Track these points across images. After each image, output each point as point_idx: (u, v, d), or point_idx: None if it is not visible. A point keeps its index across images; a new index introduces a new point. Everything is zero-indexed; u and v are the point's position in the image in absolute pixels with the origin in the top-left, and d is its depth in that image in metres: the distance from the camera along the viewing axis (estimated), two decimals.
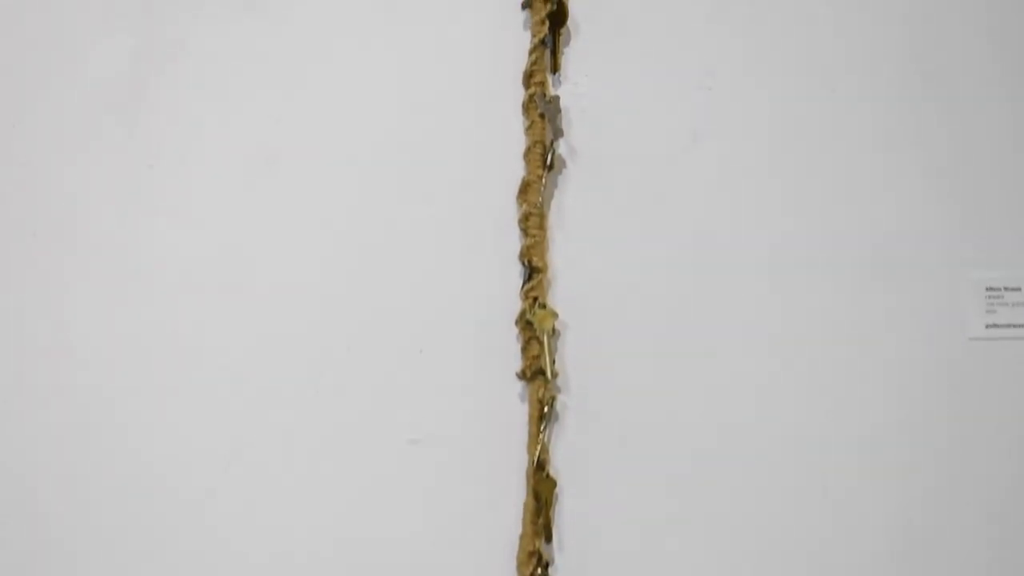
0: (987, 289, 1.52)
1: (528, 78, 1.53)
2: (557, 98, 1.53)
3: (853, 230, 1.53)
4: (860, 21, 1.55)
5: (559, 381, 1.50)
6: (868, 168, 1.54)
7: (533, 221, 1.50)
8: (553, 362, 1.47)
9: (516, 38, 1.55)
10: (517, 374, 1.50)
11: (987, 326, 1.52)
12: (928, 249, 1.53)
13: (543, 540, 1.46)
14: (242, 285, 1.53)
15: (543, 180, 1.51)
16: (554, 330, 1.49)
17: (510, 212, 1.52)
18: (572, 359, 1.50)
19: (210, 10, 1.57)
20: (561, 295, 1.51)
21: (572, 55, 1.55)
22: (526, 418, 1.49)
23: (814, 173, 1.54)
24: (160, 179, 1.56)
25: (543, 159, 1.51)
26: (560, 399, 1.49)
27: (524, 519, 1.46)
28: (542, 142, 1.51)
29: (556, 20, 1.53)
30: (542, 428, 1.46)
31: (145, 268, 1.53)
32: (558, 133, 1.52)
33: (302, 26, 1.57)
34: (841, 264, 1.52)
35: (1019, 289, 1.52)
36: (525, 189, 1.51)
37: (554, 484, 1.46)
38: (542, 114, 1.52)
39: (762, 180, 1.54)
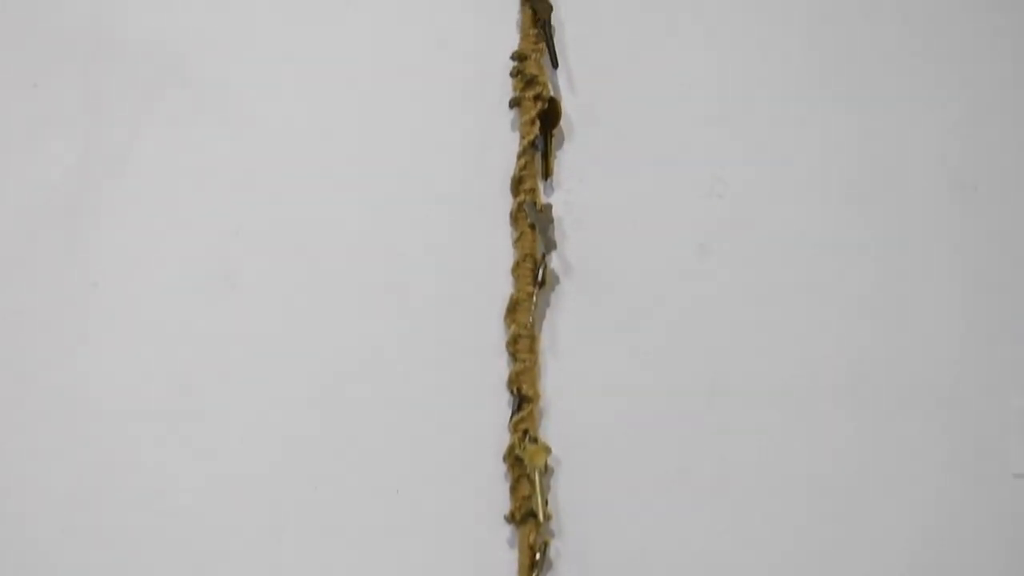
0: None
1: (517, 184, 1.48)
2: (549, 207, 1.48)
3: (879, 354, 1.47)
4: (884, 126, 1.50)
5: (552, 525, 1.43)
6: (896, 284, 1.49)
7: (523, 344, 1.45)
8: (546, 503, 1.42)
9: (503, 140, 1.50)
10: (505, 517, 1.43)
11: None
12: (964, 375, 1.47)
13: None
14: (196, 418, 1.46)
15: (534, 298, 1.46)
16: (546, 467, 1.43)
17: (497, 334, 1.46)
18: (566, 500, 1.44)
19: (161, 112, 1.52)
20: (554, 428, 1.46)
21: (565, 159, 1.51)
22: (515, 567, 1.42)
23: (836, 289, 1.48)
24: (105, 298, 1.49)
25: (534, 275, 1.46)
26: (553, 545, 1.43)
27: None
28: (532, 255, 1.46)
29: (548, 120, 1.49)
30: None
31: (89, 400, 1.47)
32: (550, 246, 1.47)
33: (263, 129, 1.52)
34: (866, 392, 1.46)
35: None
36: (514, 308, 1.46)
37: None
38: (532, 224, 1.47)
39: (778, 297, 1.48)
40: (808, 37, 1.52)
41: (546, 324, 1.47)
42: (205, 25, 1.53)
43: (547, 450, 1.43)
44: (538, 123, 1.48)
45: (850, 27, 1.52)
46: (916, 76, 1.51)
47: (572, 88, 1.51)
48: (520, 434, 1.43)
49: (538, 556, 1.41)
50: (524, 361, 1.44)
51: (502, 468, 1.44)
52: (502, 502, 1.43)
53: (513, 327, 1.45)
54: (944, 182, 1.50)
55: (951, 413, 1.46)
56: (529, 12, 1.50)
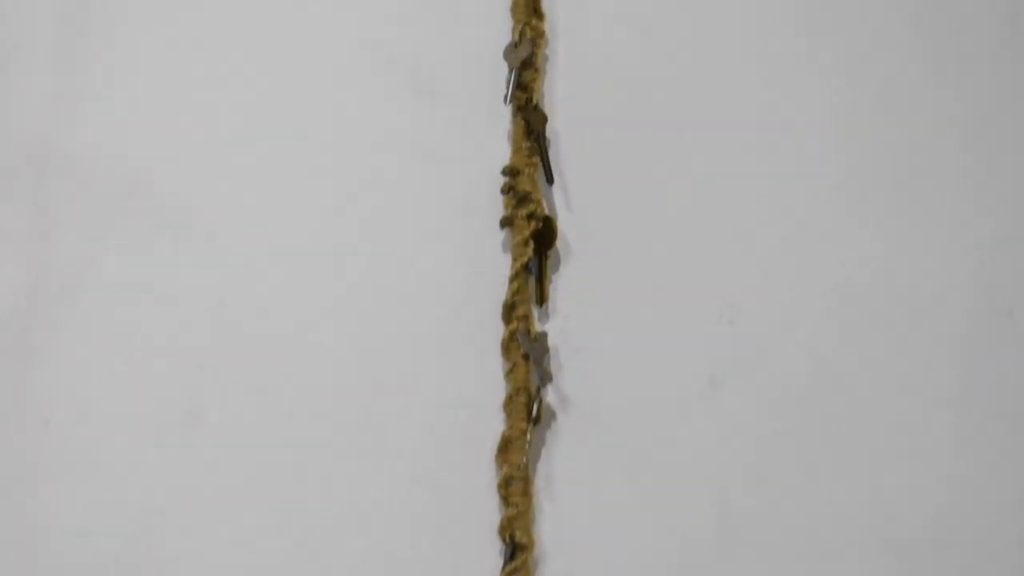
0: None
1: (509, 311, 1.43)
2: (544, 335, 1.43)
3: (908, 499, 1.39)
4: (909, 247, 1.43)
5: None
6: (927, 422, 1.41)
7: (516, 487, 1.40)
8: None
9: (494, 262, 1.45)
10: None
11: None
12: (1000, 522, 1.39)
13: None
14: (159, 571, 1.43)
15: (528, 436, 1.41)
16: None
17: (488, 475, 1.42)
18: None
19: (118, 234, 1.50)
20: None
21: (562, 283, 1.45)
22: None
23: (861, 427, 1.41)
24: (57, 438, 1.47)
25: (527, 410, 1.41)
26: None
27: None
28: (526, 389, 1.42)
29: (542, 241, 1.44)
30: None
31: (39, 550, 1.45)
32: (546, 378, 1.42)
33: (230, 252, 1.49)
34: (898, 543, 1.39)
35: None
36: (506, 447, 1.41)
37: None
38: (526, 355, 1.42)
39: (796, 436, 1.41)
40: (826, 156, 1.46)
41: (541, 465, 1.42)
42: (166, 141, 1.51)
43: None
44: (532, 244, 1.43)
45: (869, 141, 1.45)
46: (944, 193, 1.44)
47: (568, 206, 1.46)
48: None
49: None
50: (517, 505, 1.39)
51: None
52: None
53: (505, 468, 1.40)
54: (977, 307, 1.42)
55: (987, 566, 1.38)
56: (521, 123, 1.45)
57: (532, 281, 1.43)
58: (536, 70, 1.45)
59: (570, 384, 1.42)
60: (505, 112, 1.46)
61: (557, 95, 1.46)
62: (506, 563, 1.38)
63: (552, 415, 1.42)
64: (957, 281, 1.42)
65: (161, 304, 1.47)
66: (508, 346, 1.42)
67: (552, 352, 1.42)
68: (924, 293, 1.42)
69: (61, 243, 1.49)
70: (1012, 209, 1.44)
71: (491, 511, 1.39)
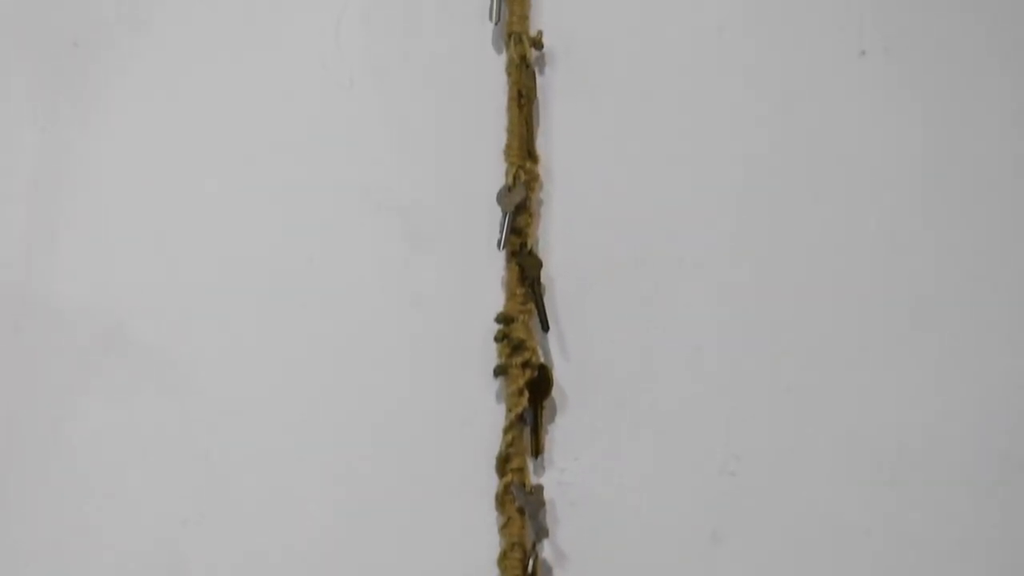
0: None
1: (503, 463, 1.41)
2: (540, 488, 1.40)
3: None
4: (917, 411, 1.39)
5: None
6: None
7: None
8: None
9: (487, 412, 1.42)
10: None
11: None
12: None
13: None
14: None
15: None
16: None
17: None
18: None
19: (97, 384, 1.48)
20: None
21: (558, 434, 1.42)
22: None
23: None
24: None
25: (523, 567, 1.39)
26: None
27: None
28: (521, 545, 1.39)
29: (538, 390, 1.41)
30: None
31: None
32: (542, 533, 1.39)
33: (210, 401, 1.47)
34: None
35: None
36: None
37: None
38: (521, 509, 1.40)
39: None
40: (827, 303, 1.43)
41: None
42: (145, 288, 1.49)
43: None
44: (527, 393, 1.41)
45: (869, 290, 1.42)
46: (949, 343, 1.41)
47: (565, 354, 1.43)
48: None
49: None
50: None
51: None
52: None
53: None
54: (986, 459, 1.38)
55: None
56: (516, 269, 1.43)
57: (527, 432, 1.41)
58: (530, 215, 1.43)
59: (567, 540, 1.39)
60: (499, 258, 1.43)
61: (552, 240, 1.44)
62: None
63: (548, 572, 1.39)
64: (965, 433, 1.39)
65: (141, 457, 1.45)
66: (502, 500, 1.39)
67: (548, 506, 1.39)
68: (932, 445, 1.38)
69: (37, 393, 1.48)
70: (1016, 359, 1.41)
71: None
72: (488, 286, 1.44)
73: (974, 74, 1.41)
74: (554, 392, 1.41)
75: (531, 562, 1.38)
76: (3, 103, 1.54)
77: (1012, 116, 1.40)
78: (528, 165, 1.44)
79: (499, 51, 1.46)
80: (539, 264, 1.43)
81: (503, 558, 1.38)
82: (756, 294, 1.43)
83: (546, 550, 1.39)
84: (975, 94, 1.40)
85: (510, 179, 1.44)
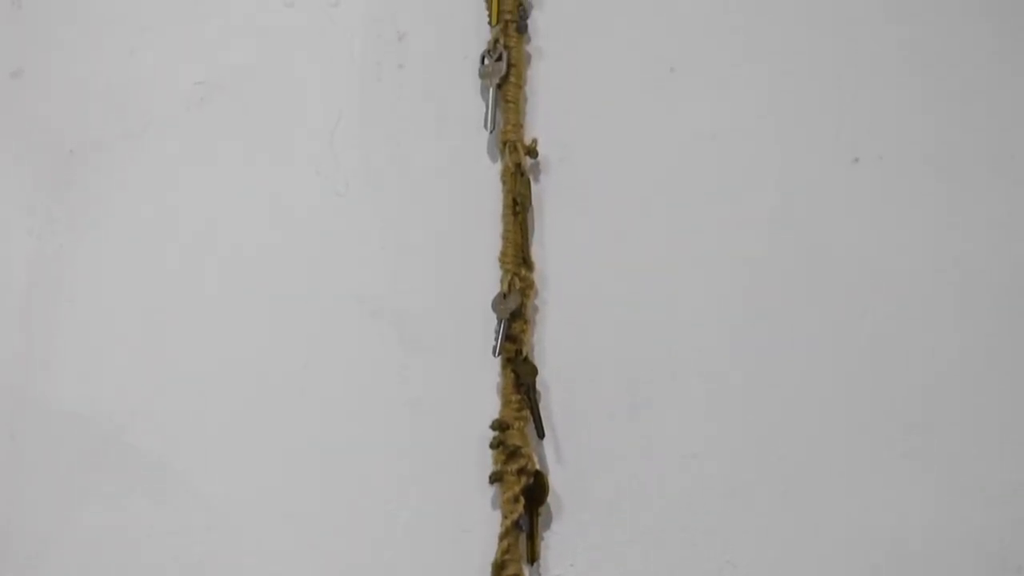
0: None
1: (499, 570, 1.38)
2: None
3: None
4: (916, 517, 1.36)
5: None
6: None
7: None
8: None
9: (483, 520, 1.40)
10: None
11: None
12: None
13: None
14: None
15: None
16: None
17: None
18: None
19: (94, 491, 1.46)
20: None
21: (554, 541, 1.40)
22: None
23: None
24: None
25: None
26: None
27: None
28: None
29: (534, 497, 1.40)
30: None
31: None
32: None
33: (208, 508, 1.45)
34: None
35: None
36: None
37: None
38: None
39: None
40: (828, 409, 1.40)
41: None
42: (141, 394, 1.49)
43: None
44: (522, 500, 1.38)
45: (869, 397, 1.40)
46: (950, 447, 1.38)
47: (560, 460, 1.41)
48: None
49: None
50: None
51: None
52: None
53: None
54: (987, 565, 1.35)
55: None
56: (511, 376, 1.42)
57: (523, 539, 1.39)
58: (526, 321, 1.42)
59: None
60: (494, 364, 1.42)
61: (547, 347, 1.43)
62: None
63: None
64: (966, 537, 1.36)
65: (136, 563, 1.44)
66: None
67: None
68: (931, 549, 1.36)
69: (33, 499, 1.46)
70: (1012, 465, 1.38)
71: None
72: (483, 393, 1.43)
73: (967, 182, 1.40)
74: (550, 499, 1.39)
75: None
76: None
77: (1006, 220, 1.39)
78: (523, 272, 1.43)
79: (494, 159, 1.46)
80: (534, 371, 1.42)
81: None
82: (751, 400, 1.41)
83: None
84: (969, 200, 1.39)
85: (505, 286, 1.43)
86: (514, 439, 1.39)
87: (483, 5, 1.49)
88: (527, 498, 1.38)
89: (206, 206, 1.52)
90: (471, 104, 1.48)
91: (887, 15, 1.43)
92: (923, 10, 1.42)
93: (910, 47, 1.42)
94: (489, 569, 1.37)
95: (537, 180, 1.45)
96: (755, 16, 1.45)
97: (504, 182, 1.44)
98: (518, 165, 1.43)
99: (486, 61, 1.47)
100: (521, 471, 1.39)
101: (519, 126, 1.46)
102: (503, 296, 1.43)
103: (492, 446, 1.40)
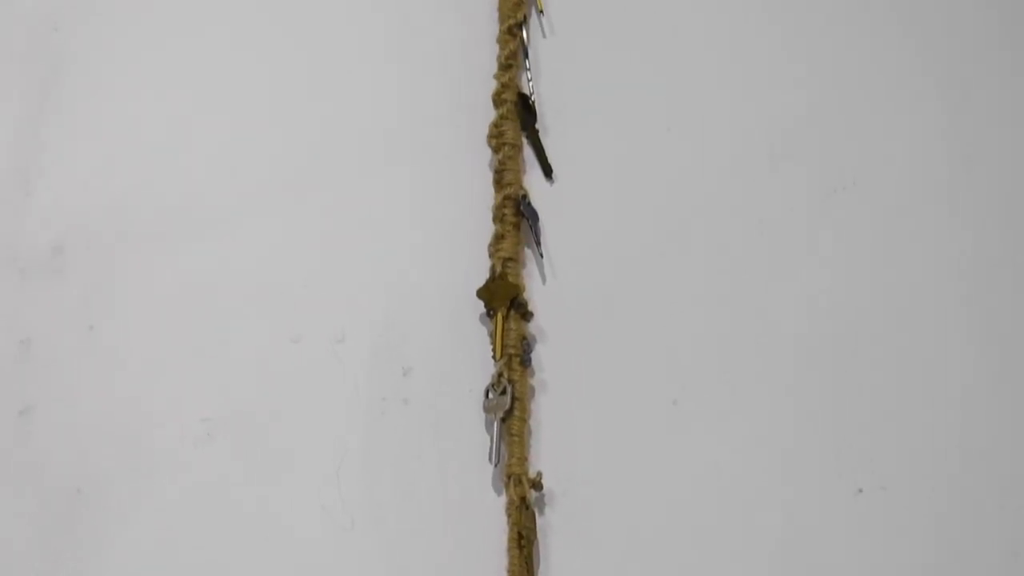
0: None
1: None
2: None
3: None
4: None
5: None
6: None
7: None
8: None
9: None
10: None
11: None
12: None
13: None
14: None
15: None
16: None
17: None
18: None
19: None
20: None
21: None
22: None
23: None
24: None
25: None
26: None
27: None
28: None
29: None
30: None
31: None
32: None
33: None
34: None
35: None
36: None
37: None
38: None
39: None
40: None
41: None
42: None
43: None
44: None
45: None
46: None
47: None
48: None
49: None
50: None
51: None
52: None
53: None
54: None
55: None
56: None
57: None
58: None
59: None
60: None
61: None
62: None
63: None
64: None
65: None
66: None
67: None
68: None
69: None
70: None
71: None
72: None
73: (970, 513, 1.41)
74: None
75: None
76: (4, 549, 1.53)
77: None
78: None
79: (499, 492, 1.44)
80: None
81: None
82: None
83: None
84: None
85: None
86: None
87: (487, 339, 1.51)
88: None
89: (214, 539, 1.49)
90: (476, 437, 1.47)
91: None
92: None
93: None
94: None
95: (542, 513, 1.43)
96: (753, 357, 1.48)
97: (509, 515, 1.42)
98: (523, 498, 1.41)
99: (490, 395, 1.47)
100: None
101: (523, 459, 1.45)
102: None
103: None
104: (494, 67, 1.63)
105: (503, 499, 1.43)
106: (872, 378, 1.45)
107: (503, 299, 1.50)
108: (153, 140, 1.69)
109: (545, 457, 1.46)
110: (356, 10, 1.73)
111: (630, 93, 1.61)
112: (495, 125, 1.59)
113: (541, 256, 1.54)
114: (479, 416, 1.48)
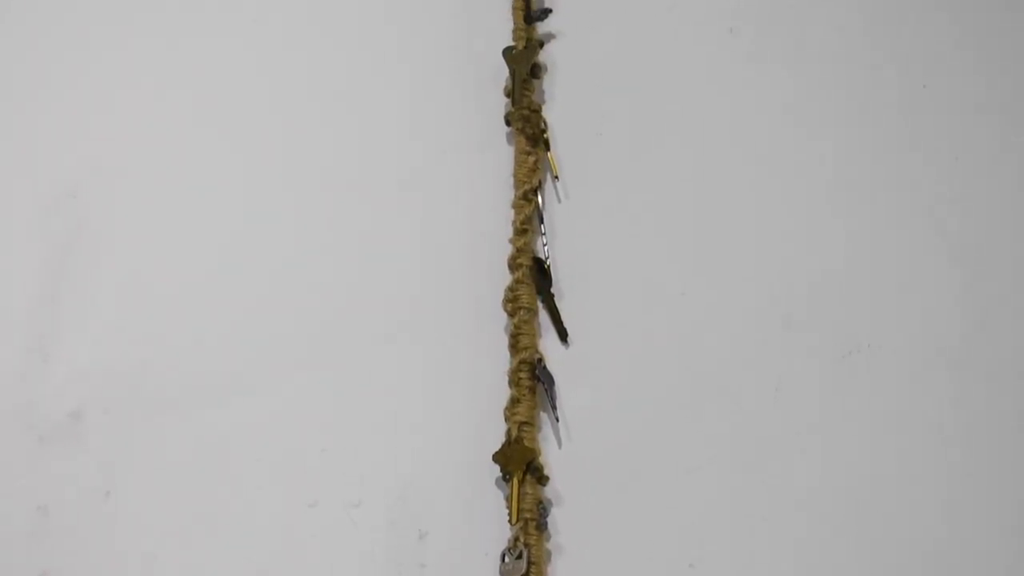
0: None
1: None
2: None
3: None
4: None
5: None
6: None
7: None
8: None
9: None
10: None
11: None
12: None
13: None
14: None
15: None
16: None
17: None
18: None
19: None
20: None
21: None
22: None
23: None
24: None
25: None
26: None
27: None
28: None
29: None
30: None
31: None
32: None
33: None
34: None
35: None
36: None
37: None
38: None
39: None
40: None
41: None
42: None
43: None
44: None
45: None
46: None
47: None
48: None
49: None
50: None
51: None
52: None
53: None
54: None
55: None
56: None
57: None
58: None
59: None
60: None
61: None
62: None
63: None
64: None
65: None
66: None
67: None
68: None
69: None
70: None
71: None
72: None
73: None
74: None
75: None
76: None
77: None
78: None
79: None
80: None
81: None
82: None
83: None
84: None
85: None
86: None
87: (503, 504, 1.50)
88: None
89: None
90: None
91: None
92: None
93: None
94: None
95: None
96: (770, 521, 1.47)
97: None
98: None
99: (506, 559, 1.46)
100: None
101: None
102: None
103: None
104: (509, 232, 1.65)
105: None
106: (888, 546, 1.44)
107: (519, 463, 1.50)
108: (170, 307, 1.70)
109: None
110: (373, 175, 1.76)
111: (644, 257, 1.63)
112: (510, 289, 1.61)
113: (557, 420, 1.54)
114: None
